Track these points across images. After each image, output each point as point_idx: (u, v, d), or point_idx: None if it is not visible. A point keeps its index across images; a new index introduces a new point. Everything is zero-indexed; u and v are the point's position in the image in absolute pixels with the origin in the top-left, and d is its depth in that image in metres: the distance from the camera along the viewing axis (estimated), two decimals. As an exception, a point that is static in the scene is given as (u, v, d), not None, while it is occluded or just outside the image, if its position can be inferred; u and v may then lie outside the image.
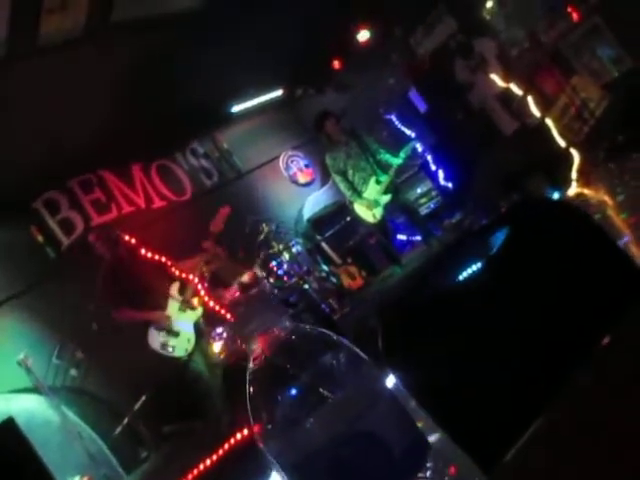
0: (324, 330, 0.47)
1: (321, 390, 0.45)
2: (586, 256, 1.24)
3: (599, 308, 1.08)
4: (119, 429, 5.07)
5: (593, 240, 1.28)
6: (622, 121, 5.24)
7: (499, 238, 1.31)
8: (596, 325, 0.90)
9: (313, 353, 0.47)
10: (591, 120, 5.97)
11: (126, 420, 5.12)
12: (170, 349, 4.39)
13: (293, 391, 0.46)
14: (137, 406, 5.14)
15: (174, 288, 4.57)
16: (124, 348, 4.81)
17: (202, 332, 4.69)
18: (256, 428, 0.48)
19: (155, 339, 4.43)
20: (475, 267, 1.22)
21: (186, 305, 4.51)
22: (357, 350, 0.49)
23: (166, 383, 4.80)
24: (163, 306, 4.49)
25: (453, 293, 1.21)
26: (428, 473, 0.50)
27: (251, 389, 0.47)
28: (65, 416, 4.54)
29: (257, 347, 0.46)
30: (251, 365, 0.48)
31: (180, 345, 4.42)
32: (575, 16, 6.02)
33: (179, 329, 4.45)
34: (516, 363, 1.05)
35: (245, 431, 3.66)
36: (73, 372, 5.42)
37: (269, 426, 0.47)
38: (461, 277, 1.21)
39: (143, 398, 5.15)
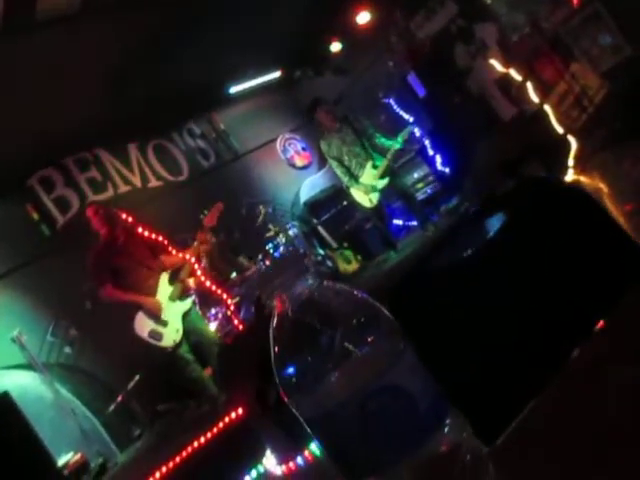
0: (348, 287, 0.48)
1: (346, 345, 0.46)
2: (588, 234, 1.24)
3: (601, 288, 1.08)
4: (112, 407, 5.09)
5: (594, 219, 1.28)
6: (621, 109, 5.23)
7: (499, 218, 1.31)
8: (597, 305, 0.91)
9: (337, 309, 0.47)
10: (590, 107, 5.95)
11: (120, 398, 5.14)
12: (158, 338, 4.30)
13: (317, 346, 0.46)
14: (131, 384, 5.16)
15: (164, 277, 4.48)
16: (118, 326, 4.79)
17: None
18: (281, 382, 0.48)
19: (143, 326, 4.33)
20: (475, 247, 1.22)
21: (178, 281, 4.45)
22: (381, 307, 0.49)
23: (160, 363, 4.80)
24: (152, 294, 4.38)
25: (453, 273, 1.20)
26: (446, 429, 0.51)
27: (275, 347, 0.48)
28: (58, 393, 4.55)
29: (281, 303, 0.47)
30: (275, 321, 0.48)
31: (168, 335, 4.33)
32: (575, 1, 5.98)
33: (168, 319, 4.36)
34: (516, 342, 1.06)
35: (240, 410, 3.68)
36: (67, 349, 5.43)
37: (294, 380, 0.47)
38: (461, 258, 1.21)
39: (137, 377, 5.17)
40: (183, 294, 4.53)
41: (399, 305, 0.63)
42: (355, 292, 0.58)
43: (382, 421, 0.53)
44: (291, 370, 0.56)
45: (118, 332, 4.75)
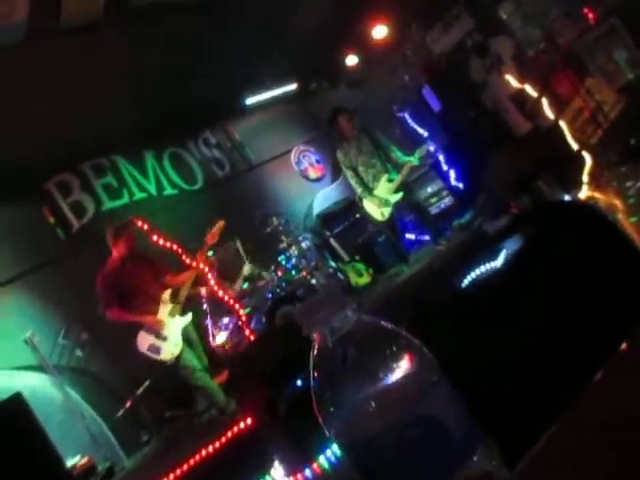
0: (383, 321, 0.50)
1: (381, 375, 0.47)
2: (605, 259, 1.24)
3: (620, 308, 1.08)
4: (121, 412, 5.11)
5: (610, 240, 1.29)
6: (636, 125, 5.21)
7: (517, 241, 1.32)
8: (617, 326, 0.91)
9: (373, 341, 0.49)
10: (605, 123, 5.94)
11: (129, 403, 5.15)
12: (156, 351, 4.50)
13: (354, 376, 0.48)
14: (140, 390, 5.18)
15: (166, 294, 4.67)
16: (129, 332, 4.84)
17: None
18: (319, 410, 0.51)
19: (144, 342, 4.54)
20: (493, 269, 1.23)
21: (176, 301, 4.64)
22: (415, 340, 0.51)
23: (168, 370, 4.84)
24: (154, 311, 4.61)
25: (472, 294, 1.21)
26: (476, 457, 0.52)
27: (315, 373, 0.50)
28: (68, 395, 4.58)
29: (320, 336, 0.49)
30: (315, 352, 0.50)
31: (167, 349, 4.51)
32: (591, 17, 5.99)
33: (168, 334, 4.55)
34: (533, 364, 1.06)
35: (249, 420, 3.68)
36: (78, 353, 5.46)
37: (332, 408, 0.49)
38: (479, 278, 1.22)
39: (147, 383, 5.19)
40: (183, 310, 4.71)
41: (422, 326, 0.65)
42: (390, 325, 0.61)
43: (417, 450, 0.54)
44: (329, 397, 0.58)
45: (129, 337, 4.79)
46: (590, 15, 6.00)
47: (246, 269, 6.10)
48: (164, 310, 4.62)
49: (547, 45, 6.35)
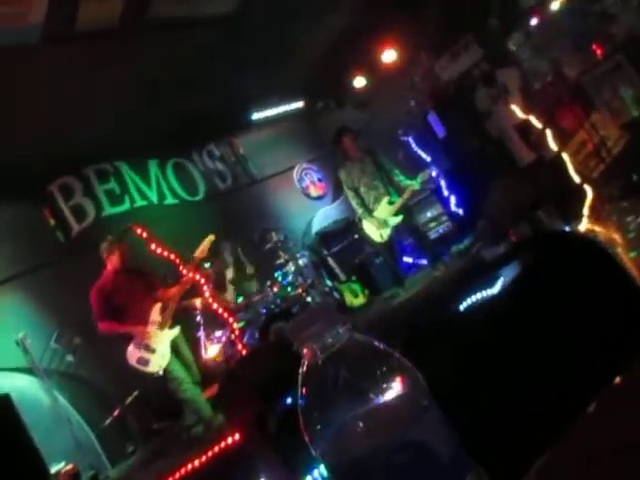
0: (376, 341, 0.49)
1: (371, 396, 0.46)
2: (603, 291, 1.24)
3: (615, 341, 1.08)
4: (109, 420, 5.06)
5: (608, 272, 1.29)
6: (638, 161, 5.25)
7: (514, 269, 1.32)
8: (611, 358, 0.91)
9: (365, 361, 0.48)
10: (608, 158, 5.98)
11: (117, 412, 5.11)
12: (145, 364, 4.58)
13: (343, 395, 0.47)
14: (129, 400, 5.14)
15: (156, 308, 4.75)
16: (121, 340, 4.83)
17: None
18: (305, 428, 0.50)
19: (133, 354, 4.62)
20: (490, 295, 1.23)
21: (162, 326, 4.71)
22: (407, 362, 0.50)
23: (157, 381, 4.82)
24: (145, 323, 4.70)
25: (468, 320, 1.22)
26: None
27: (303, 390, 0.49)
28: (56, 400, 4.54)
29: (311, 353, 0.48)
30: (304, 369, 0.49)
31: (155, 361, 4.59)
32: (599, 53, 6.07)
33: (156, 346, 4.62)
34: (527, 391, 1.06)
35: (237, 435, 3.65)
36: (69, 357, 5.42)
37: (319, 427, 0.48)
38: (476, 305, 1.22)
39: (136, 392, 5.15)
40: (173, 323, 4.78)
41: (417, 350, 0.64)
42: (383, 346, 0.60)
43: (405, 475, 0.53)
44: (317, 416, 0.57)
45: (120, 345, 4.78)
46: (598, 51, 6.08)
47: (229, 274, 6.09)
48: (153, 323, 4.70)
49: (554, 78, 6.41)
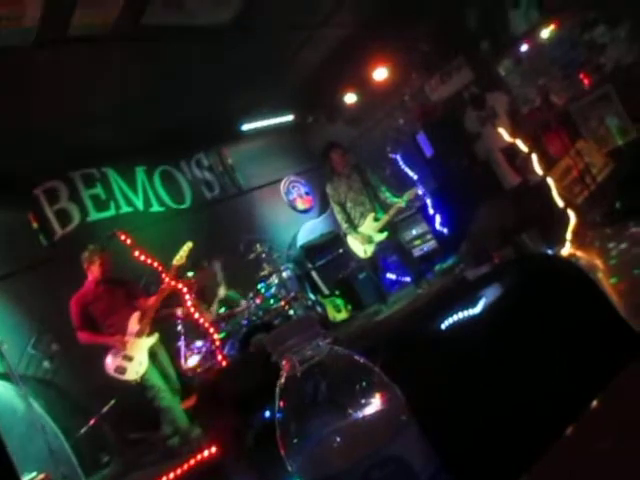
0: (356, 355, 0.49)
1: (350, 411, 0.46)
2: (582, 316, 1.26)
3: (592, 366, 1.10)
4: (84, 429, 4.97)
5: (588, 297, 1.31)
6: (621, 190, 5.34)
7: (496, 290, 1.33)
8: (588, 382, 0.92)
9: (344, 375, 0.48)
10: (592, 185, 6.07)
11: (92, 421, 5.03)
12: (122, 372, 4.62)
13: (321, 409, 0.46)
14: (105, 409, 5.06)
15: (134, 317, 4.79)
16: (100, 348, 4.79)
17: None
18: (282, 442, 0.49)
19: (111, 364, 4.67)
20: (471, 316, 1.24)
21: (140, 334, 4.73)
22: (387, 378, 0.50)
23: (135, 390, 4.78)
24: (125, 333, 4.74)
25: (449, 339, 1.22)
26: None
27: (280, 403, 0.48)
28: (31, 407, 4.45)
29: (290, 365, 0.48)
30: (282, 381, 0.49)
31: (131, 369, 4.62)
32: (587, 82, 6.18)
33: (133, 354, 4.66)
34: (505, 413, 1.06)
35: (213, 448, 3.61)
36: (46, 364, 5.34)
37: (295, 440, 0.47)
38: (457, 324, 1.23)
39: (112, 402, 5.08)
40: (151, 331, 4.82)
41: (395, 370, 0.64)
42: (363, 360, 0.60)
43: None
44: (293, 430, 0.57)
45: (99, 353, 4.73)
46: (586, 80, 6.19)
47: (222, 291, 6.07)
48: (131, 331, 4.72)
49: (542, 104, 6.52)
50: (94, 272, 4.81)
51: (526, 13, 6.42)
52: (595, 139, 6.28)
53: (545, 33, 6.30)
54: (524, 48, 6.55)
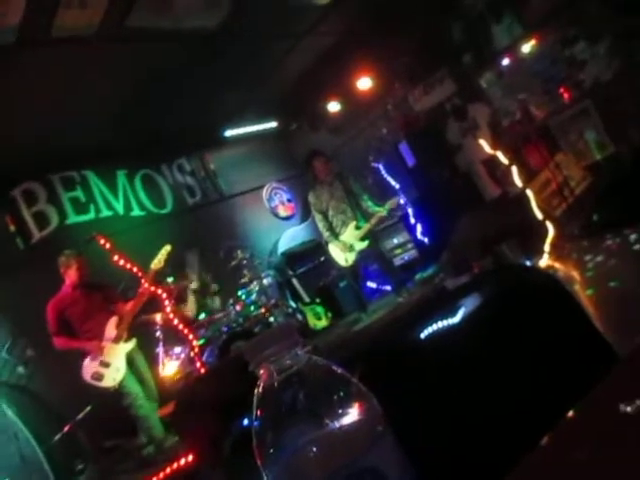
0: (335, 365, 0.48)
1: (327, 421, 0.46)
2: (558, 327, 1.27)
3: (567, 377, 1.11)
4: (58, 436, 4.88)
5: (567, 312, 1.32)
6: (599, 203, 5.43)
7: (475, 300, 1.34)
8: (562, 394, 0.93)
9: (322, 385, 0.48)
10: (570, 197, 6.17)
11: (67, 428, 4.93)
12: (99, 378, 4.56)
13: (298, 419, 0.46)
14: (80, 416, 4.97)
15: (112, 322, 4.73)
16: (76, 353, 4.71)
17: None
18: (258, 451, 0.48)
19: (88, 369, 4.59)
20: (450, 325, 1.25)
21: (117, 339, 4.68)
22: (364, 388, 0.50)
23: (111, 397, 4.71)
24: (101, 337, 4.68)
25: (428, 349, 1.23)
26: None
27: (257, 412, 0.48)
28: (3, 413, 4.37)
29: (267, 374, 0.47)
30: (259, 390, 0.48)
31: (109, 375, 4.56)
32: (567, 97, 6.29)
33: (111, 360, 4.59)
34: (482, 424, 1.07)
35: (190, 457, 3.57)
36: (20, 369, 5.24)
37: (272, 450, 0.47)
38: (436, 334, 1.23)
39: (88, 408, 4.99)
40: (129, 336, 4.76)
41: (373, 380, 0.64)
42: (341, 370, 0.60)
43: None
44: (270, 439, 0.56)
45: (75, 359, 4.66)
46: (566, 95, 6.30)
47: (194, 283, 6.02)
48: (108, 337, 4.66)
49: (522, 117, 6.62)
50: (71, 276, 4.74)
51: (508, 28, 6.53)
52: (574, 153, 6.39)
53: (526, 48, 6.41)
54: (506, 62, 6.65)
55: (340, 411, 0.56)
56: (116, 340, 4.66)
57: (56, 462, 4.63)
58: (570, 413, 0.70)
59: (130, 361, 4.69)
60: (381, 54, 7.14)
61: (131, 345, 4.75)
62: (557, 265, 4.92)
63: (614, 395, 0.65)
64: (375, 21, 6.43)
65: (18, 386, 5.23)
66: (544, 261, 5.20)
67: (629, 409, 0.59)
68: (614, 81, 5.89)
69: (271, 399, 0.57)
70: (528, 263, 5.19)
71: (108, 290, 4.98)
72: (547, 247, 5.58)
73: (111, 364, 4.59)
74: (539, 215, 6.17)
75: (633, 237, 4.33)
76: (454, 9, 6.80)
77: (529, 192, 6.36)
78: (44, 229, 6.18)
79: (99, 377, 4.56)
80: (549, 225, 5.93)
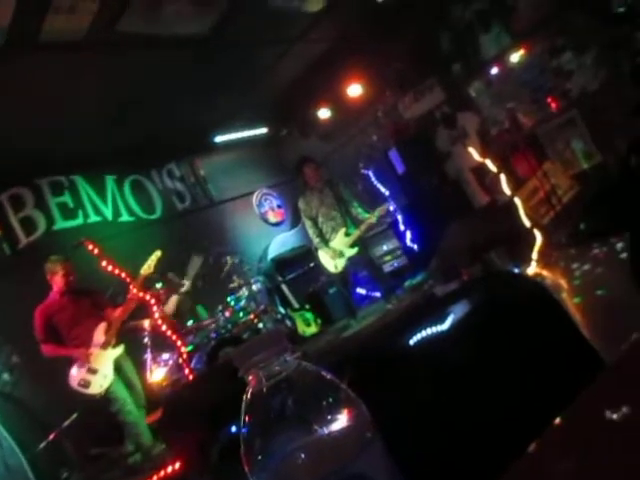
0: (324, 371, 0.48)
1: (316, 427, 0.46)
2: (546, 334, 1.28)
3: (554, 383, 1.11)
4: (43, 444, 4.82)
5: (554, 319, 1.33)
6: (586, 212, 5.48)
7: (464, 307, 1.35)
8: (549, 400, 0.94)
9: (312, 391, 0.48)
10: (558, 206, 6.22)
11: (52, 435, 4.88)
12: (86, 385, 4.51)
13: (287, 425, 0.46)
14: (66, 423, 4.92)
15: (100, 328, 4.70)
16: (62, 360, 4.67)
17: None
18: (246, 458, 0.48)
19: (75, 377, 4.54)
20: (440, 332, 1.25)
21: (105, 345, 4.64)
22: (353, 394, 0.50)
23: (98, 404, 4.67)
24: (89, 344, 4.64)
25: (417, 355, 1.23)
26: None
27: (246, 418, 0.48)
28: (-12, 421, 4.31)
29: (256, 380, 0.47)
30: (248, 396, 0.48)
31: (96, 382, 4.52)
32: (554, 106, 6.36)
33: (98, 366, 4.56)
34: (470, 430, 1.07)
35: (177, 464, 3.54)
36: (5, 376, 5.18)
37: (260, 457, 0.47)
38: (425, 340, 1.24)
39: (74, 416, 4.94)
40: (118, 343, 4.72)
41: (362, 387, 0.64)
42: (330, 376, 0.60)
43: None
44: (258, 445, 0.56)
45: (61, 366, 4.62)
46: (553, 104, 6.37)
47: (186, 285, 5.97)
48: (96, 343, 4.62)
49: (511, 126, 6.67)
50: (57, 283, 4.70)
51: (497, 37, 6.59)
52: (561, 162, 6.45)
53: (515, 57, 6.47)
54: (494, 71, 6.71)
55: (329, 417, 0.56)
56: (104, 346, 4.62)
57: (40, 470, 4.57)
58: (557, 420, 0.70)
59: (118, 367, 4.65)
60: (372, 61, 7.18)
61: (119, 351, 4.71)
62: (545, 273, 4.95)
63: (600, 402, 0.66)
64: (366, 29, 6.47)
65: (3, 393, 5.16)
66: (532, 269, 5.23)
67: (615, 416, 0.60)
68: (600, 91, 5.96)
69: (260, 405, 0.57)
70: (516, 270, 5.22)
71: (97, 296, 4.94)
72: (535, 255, 5.62)
73: (99, 371, 4.55)
74: (527, 223, 6.22)
75: (619, 246, 4.37)
76: (443, 19, 6.86)
77: (517, 200, 6.41)
78: (31, 234, 6.12)
79: (86, 384, 4.51)
80: (537, 233, 5.97)
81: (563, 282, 4.30)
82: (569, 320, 1.34)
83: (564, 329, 1.29)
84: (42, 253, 5.15)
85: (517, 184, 6.60)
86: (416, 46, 7.05)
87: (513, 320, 1.25)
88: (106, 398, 4.53)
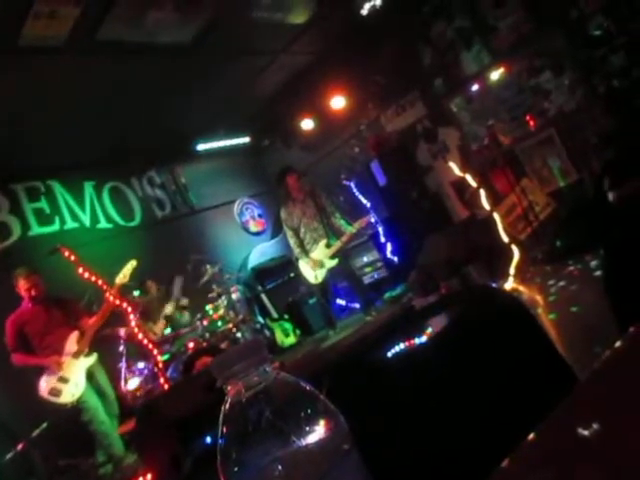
0: (303, 382, 0.48)
1: (293, 439, 0.45)
2: (521, 349, 1.29)
3: (527, 398, 1.12)
4: (11, 454, 4.70)
5: (529, 334, 1.35)
6: (562, 229, 5.56)
7: (442, 320, 1.36)
8: (523, 415, 0.94)
9: (290, 402, 0.47)
10: (535, 222, 6.30)
11: (20, 446, 4.76)
12: (57, 394, 4.44)
13: (265, 436, 0.45)
14: (36, 433, 4.81)
15: (72, 337, 4.63)
16: (32, 371, 4.58)
17: None
18: (222, 469, 0.47)
19: (46, 386, 4.46)
20: (417, 345, 1.26)
21: (78, 354, 4.58)
22: (332, 406, 0.50)
23: (69, 414, 4.58)
24: (60, 353, 4.56)
25: (394, 367, 1.23)
26: None
27: (223, 429, 0.47)
28: (-45, 431, 4.20)
29: (235, 390, 0.46)
30: (226, 407, 0.47)
31: (67, 391, 4.45)
32: (532, 124, 6.47)
33: (69, 375, 4.49)
34: (447, 443, 1.08)
35: (149, 476, 3.48)
36: (-26, 385, 5.05)
37: (236, 469, 0.46)
38: (403, 353, 1.24)
39: (43, 425, 4.83)
40: (90, 351, 4.66)
41: (340, 398, 0.64)
42: (308, 387, 0.59)
43: None
44: (235, 457, 0.56)
45: (31, 375, 4.53)
46: (531, 122, 6.48)
47: (169, 308, 5.93)
48: (68, 352, 4.55)
49: (490, 142, 6.76)
50: (28, 293, 4.61)
51: (477, 55, 6.70)
52: (539, 179, 6.55)
53: (495, 75, 6.58)
54: (475, 88, 6.81)
55: (307, 428, 0.55)
56: (76, 355, 4.55)
57: (8, 480, 4.47)
58: (530, 436, 0.71)
59: (90, 376, 4.58)
60: (354, 74, 7.24)
61: (92, 360, 4.64)
62: (521, 288, 5.01)
63: (573, 417, 0.67)
64: (349, 42, 6.53)
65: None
66: (509, 284, 5.28)
67: (587, 432, 0.61)
68: (577, 111, 6.08)
69: (238, 416, 0.56)
70: (494, 285, 5.28)
71: (70, 304, 4.86)
72: (512, 270, 5.68)
73: (70, 379, 4.47)
74: (505, 238, 6.29)
75: (594, 263, 4.44)
76: (425, 35, 6.96)
77: (496, 215, 6.49)
78: (5, 240, 6.00)
79: (57, 393, 4.43)
80: (514, 249, 6.05)
81: (539, 298, 4.35)
82: (544, 335, 1.35)
83: (539, 344, 1.31)
84: (16, 259, 5.09)
85: (496, 200, 6.69)
86: (398, 60, 7.13)
87: (489, 334, 1.26)
88: (77, 407, 4.45)
